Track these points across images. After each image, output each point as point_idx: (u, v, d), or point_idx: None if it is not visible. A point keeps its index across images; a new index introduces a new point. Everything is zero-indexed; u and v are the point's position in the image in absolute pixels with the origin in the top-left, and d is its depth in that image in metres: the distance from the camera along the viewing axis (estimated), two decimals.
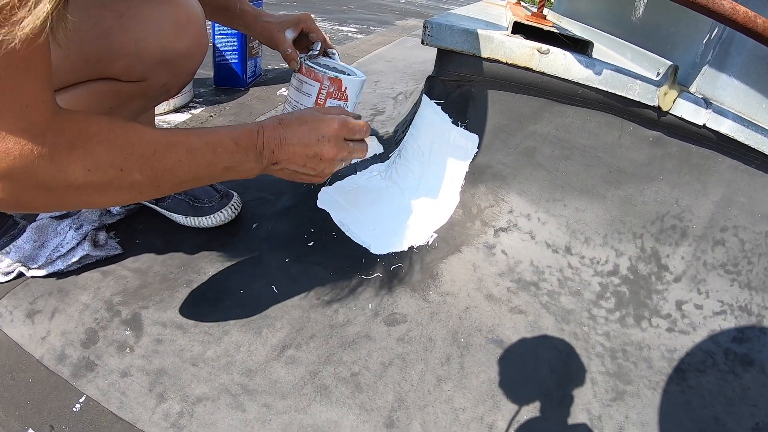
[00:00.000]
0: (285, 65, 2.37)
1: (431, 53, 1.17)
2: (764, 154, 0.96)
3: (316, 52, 1.00)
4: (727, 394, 0.90)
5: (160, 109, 1.56)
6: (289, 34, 1.02)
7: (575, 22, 1.83)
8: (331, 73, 0.88)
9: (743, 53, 0.92)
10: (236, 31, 1.82)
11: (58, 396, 0.73)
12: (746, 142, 0.95)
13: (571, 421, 0.78)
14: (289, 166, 0.74)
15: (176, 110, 1.65)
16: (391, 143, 1.33)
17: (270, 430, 0.69)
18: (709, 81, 0.98)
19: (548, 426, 0.76)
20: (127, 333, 0.81)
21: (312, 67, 0.90)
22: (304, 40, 1.03)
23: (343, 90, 0.91)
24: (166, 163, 0.60)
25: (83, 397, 0.72)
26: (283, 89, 1.99)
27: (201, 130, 0.66)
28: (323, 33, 1.03)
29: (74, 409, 0.71)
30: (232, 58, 1.88)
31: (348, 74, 0.92)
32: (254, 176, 0.73)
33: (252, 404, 0.72)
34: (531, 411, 0.78)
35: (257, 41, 2.00)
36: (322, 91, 0.90)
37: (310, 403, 0.73)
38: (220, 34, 1.82)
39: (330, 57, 1.02)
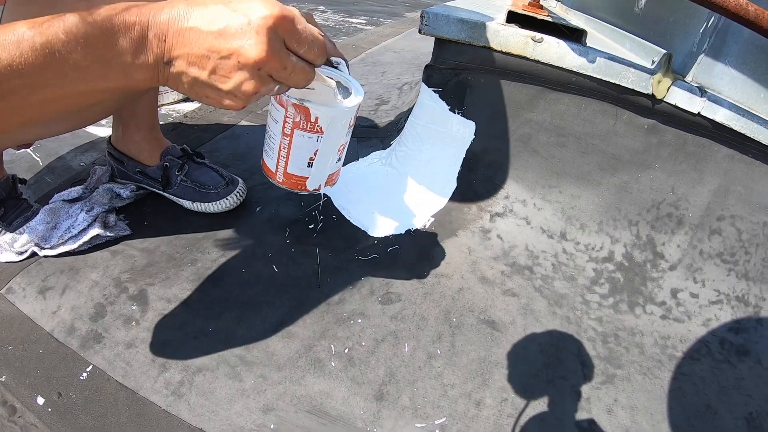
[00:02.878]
0: None
1: None
2: (761, 143, 0.96)
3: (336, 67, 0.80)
4: (721, 382, 0.91)
5: (170, 98, 1.60)
6: None
7: (581, 14, 1.84)
8: (294, 100, 0.66)
9: (740, 42, 0.93)
10: None
11: (66, 366, 0.77)
12: (742, 131, 0.96)
13: (559, 401, 0.80)
14: (189, 69, 0.49)
15: (184, 99, 1.69)
16: (394, 131, 1.36)
17: (265, 398, 0.73)
18: (706, 70, 0.99)
19: (536, 405, 0.79)
20: (134, 308, 0.85)
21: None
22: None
23: (312, 121, 0.68)
24: None
25: (90, 367, 0.76)
26: None
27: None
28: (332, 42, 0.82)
29: (81, 378, 0.75)
30: None
31: (344, 93, 0.71)
32: (143, 86, 0.52)
33: (249, 375, 0.76)
34: (519, 390, 0.81)
35: None
36: (287, 119, 0.69)
37: (305, 375, 0.77)
38: None
39: (335, 67, 0.75)
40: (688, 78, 1.01)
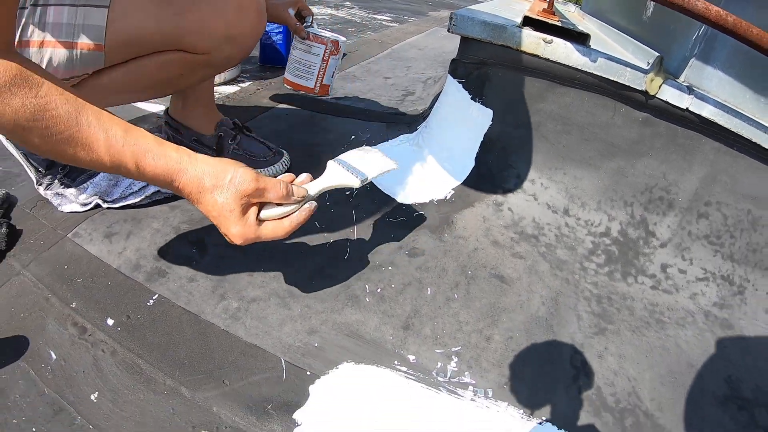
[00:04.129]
0: None
1: None
2: (744, 138, 1.05)
3: (310, 24, 1.42)
4: (704, 347, 0.99)
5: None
6: (291, 12, 1.36)
7: (595, 19, 1.96)
8: (332, 36, 1.43)
9: (726, 48, 1.02)
10: (282, 28, 2.02)
11: (134, 295, 0.89)
12: (726, 126, 1.05)
13: (556, 343, 0.92)
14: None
15: (226, 83, 1.84)
16: (419, 118, 1.50)
17: (310, 323, 0.87)
18: (696, 72, 1.09)
19: (537, 345, 0.91)
20: (194, 251, 0.99)
21: (318, 34, 1.42)
22: (297, 17, 1.38)
23: (339, 48, 1.44)
24: (67, 151, 0.62)
25: (156, 296, 0.88)
26: None
27: (132, 143, 0.64)
28: (310, 9, 1.42)
29: (148, 304, 0.87)
30: (277, 39, 2.07)
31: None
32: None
33: (296, 305, 0.90)
34: (522, 331, 0.93)
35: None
36: (326, 51, 1.43)
37: (343, 307, 0.91)
38: (269, 32, 2.02)
39: (306, 22, 1.43)
40: (681, 79, 1.11)
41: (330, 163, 0.85)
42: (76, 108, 0.61)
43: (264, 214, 0.73)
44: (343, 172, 0.84)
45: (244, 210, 0.69)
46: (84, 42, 0.82)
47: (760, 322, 1.09)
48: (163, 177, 0.65)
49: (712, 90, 1.10)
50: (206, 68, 0.99)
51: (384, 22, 3.74)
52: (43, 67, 0.79)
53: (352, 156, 0.88)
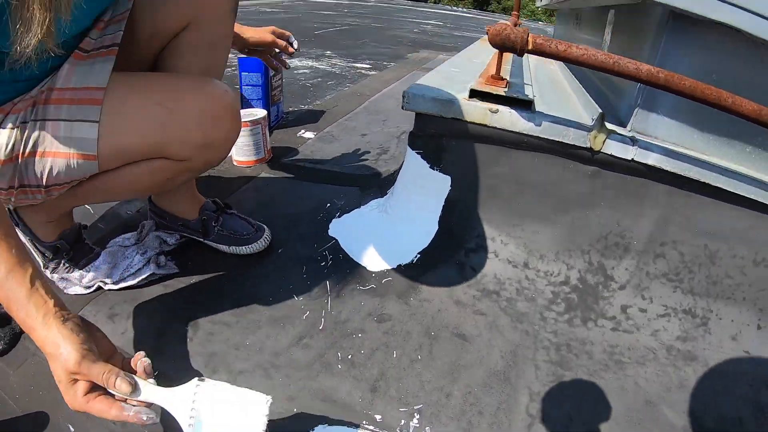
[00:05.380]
0: (304, 106, 2.66)
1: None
2: (693, 179, 1.12)
3: (292, 42, 1.62)
4: (664, 382, 1.04)
5: None
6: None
7: (564, 66, 2.10)
8: (259, 113, 1.80)
9: (669, 95, 1.03)
10: (260, 82, 2.07)
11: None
12: (673, 170, 1.12)
13: (513, 393, 1.00)
14: None
15: None
16: (390, 181, 1.62)
17: (290, 391, 0.97)
18: (642, 120, 1.17)
19: (494, 396, 0.99)
20: (187, 329, 1.09)
21: (251, 119, 1.73)
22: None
23: (267, 117, 1.84)
24: None
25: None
26: (303, 130, 2.27)
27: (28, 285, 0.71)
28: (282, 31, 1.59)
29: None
30: (257, 105, 2.12)
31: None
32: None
33: (277, 374, 1.00)
34: (480, 386, 1.01)
35: (279, 89, 2.28)
36: (263, 126, 1.80)
37: (318, 375, 1.01)
38: (246, 85, 2.07)
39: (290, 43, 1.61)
40: (628, 127, 1.18)
41: (188, 387, 0.77)
42: None
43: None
44: (187, 411, 0.75)
45: (72, 382, 0.70)
46: (79, 153, 0.91)
47: (726, 349, 1.14)
48: (24, 327, 0.72)
49: (660, 135, 1.18)
50: (189, 172, 1.08)
51: (363, 71, 3.87)
52: (46, 174, 0.91)
53: (218, 399, 0.77)
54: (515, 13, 3.18)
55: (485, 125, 1.24)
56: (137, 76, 1.03)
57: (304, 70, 3.67)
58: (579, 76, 1.85)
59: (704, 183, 1.14)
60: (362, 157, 1.98)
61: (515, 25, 3.15)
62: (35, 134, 0.90)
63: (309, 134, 2.23)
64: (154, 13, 1.03)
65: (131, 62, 1.05)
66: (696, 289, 1.20)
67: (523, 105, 1.22)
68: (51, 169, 0.92)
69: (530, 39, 1.02)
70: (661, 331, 1.17)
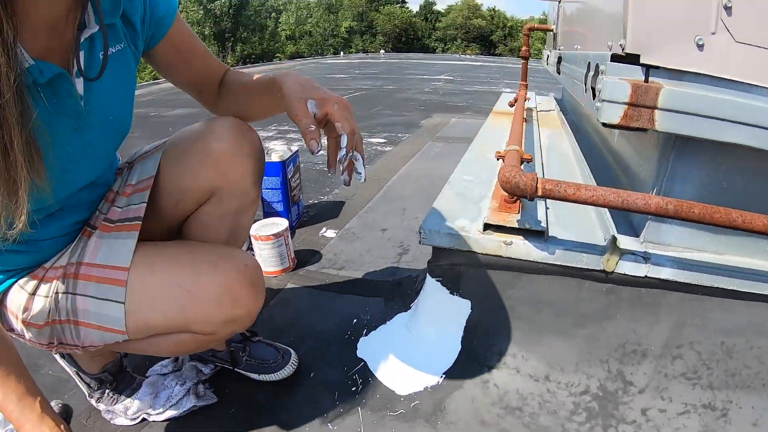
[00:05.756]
0: (323, 197, 2.73)
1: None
2: (705, 286, 1.15)
3: (345, 146, 0.92)
4: None
5: None
6: (312, 108, 0.93)
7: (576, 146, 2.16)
8: (281, 226, 1.89)
9: None
10: (280, 185, 2.17)
11: None
12: (686, 281, 1.15)
13: None
14: None
15: None
16: (413, 290, 1.69)
17: None
18: (654, 231, 1.22)
19: None
20: None
21: (272, 233, 1.85)
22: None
23: (288, 228, 1.90)
24: None
25: None
26: (324, 228, 2.34)
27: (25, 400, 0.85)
28: (341, 115, 0.93)
29: None
30: (278, 207, 2.22)
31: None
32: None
33: None
34: None
35: (298, 187, 2.35)
36: (285, 238, 1.91)
37: None
38: (266, 189, 2.15)
39: (341, 144, 0.92)
40: (641, 238, 1.24)
41: None
42: None
43: None
44: None
45: None
46: (108, 327, 0.98)
47: None
48: (13, 424, 0.83)
49: (672, 242, 1.22)
50: (214, 342, 1.12)
51: (379, 147, 3.98)
52: (81, 338, 0.99)
53: None
54: (523, 83, 3.26)
55: (500, 256, 1.30)
56: (159, 252, 1.06)
57: (321, 152, 3.76)
58: (592, 154, 1.91)
59: (717, 287, 1.17)
60: (383, 258, 2.05)
61: (524, 87, 3.24)
62: (69, 306, 0.98)
63: (331, 233, 2.31)
64: (177, 184, 1.11)
65: (156, 229, 1.14)
66: (715, 384, 1.22)
67: (537, 235, 1.28)
68: (86, 336, 1.00)
69: (539, 186, 1.08)
70: (681, 428, 1.19)
